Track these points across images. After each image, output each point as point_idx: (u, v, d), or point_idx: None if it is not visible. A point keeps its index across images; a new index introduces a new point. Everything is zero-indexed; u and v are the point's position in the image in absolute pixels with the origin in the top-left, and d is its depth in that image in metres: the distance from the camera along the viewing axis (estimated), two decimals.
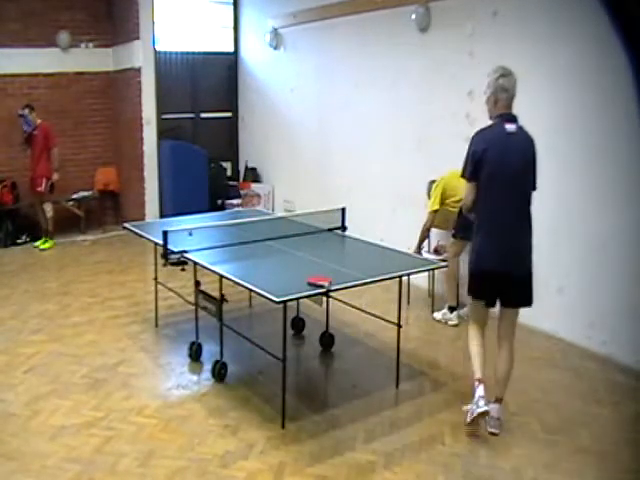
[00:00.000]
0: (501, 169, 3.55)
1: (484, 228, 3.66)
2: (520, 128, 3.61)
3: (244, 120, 9.51)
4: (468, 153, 3.66)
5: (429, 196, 5.52)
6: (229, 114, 9.61)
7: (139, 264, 7.19)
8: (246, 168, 9.32)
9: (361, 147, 7.10)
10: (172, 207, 8.06)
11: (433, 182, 5.53)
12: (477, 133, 3.70)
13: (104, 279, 6.66)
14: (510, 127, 3.57)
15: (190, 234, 4.56)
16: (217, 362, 4.34)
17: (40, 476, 3.27)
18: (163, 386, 4.32)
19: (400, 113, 6.48)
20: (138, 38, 8.21)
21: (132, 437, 3.63)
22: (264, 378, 4.40)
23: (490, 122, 3.68)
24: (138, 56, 8.26)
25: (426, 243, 5.67)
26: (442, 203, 5.36)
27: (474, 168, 3.60)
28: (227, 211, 7.94)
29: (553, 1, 4.94)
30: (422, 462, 3.41)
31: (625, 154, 4.48)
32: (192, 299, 4.67)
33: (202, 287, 4.49)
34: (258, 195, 8.90)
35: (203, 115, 9.38)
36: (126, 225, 5.48)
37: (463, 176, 3.73)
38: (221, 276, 4.00)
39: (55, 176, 7.84)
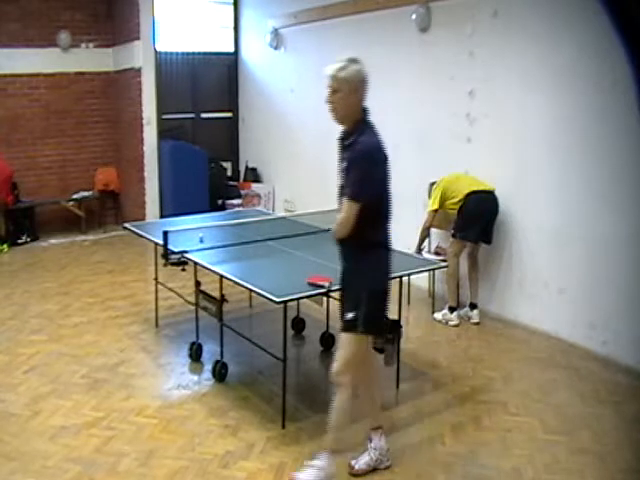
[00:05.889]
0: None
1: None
2: None
3: (244, 120, 9.51)
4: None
5: (430, 197, 5.52)
6: (229, 114, 9.60)
7: (139, 264, 7.19)
8: (246, 168, 9.32)
9: None
10: (172, 207, 8.06)
11: (433, 184, 5.54)
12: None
13: (104, 279, 6.65)
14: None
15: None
16: (217, 362, 4.33)
17: (40, 476, 3.27)
18: (163, 386, 4.32)
19: (400, 113, 6.47)
20: (138, 38, 8.20)
21: (132, 437, 3.63)
22: (264, 378, 4.40)
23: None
24: (138, 56, 8.25)
25: (426, 243, 5.67)
26: (441, 205, 5.37)
27: None
28: (227, 211, 7.94)
29: (553, 1, 4.94)
30: (422, 462, 3.41)
31: (626, 155, 4.47)
32: (192, 299, 4.66)
33: (202, 287, 4.49)
34: (258, 195, 8.90)
35: (203, 115, 9.37)
36: (126, 225, 5.48)
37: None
38: (221, 276, 4.00)
39: None
